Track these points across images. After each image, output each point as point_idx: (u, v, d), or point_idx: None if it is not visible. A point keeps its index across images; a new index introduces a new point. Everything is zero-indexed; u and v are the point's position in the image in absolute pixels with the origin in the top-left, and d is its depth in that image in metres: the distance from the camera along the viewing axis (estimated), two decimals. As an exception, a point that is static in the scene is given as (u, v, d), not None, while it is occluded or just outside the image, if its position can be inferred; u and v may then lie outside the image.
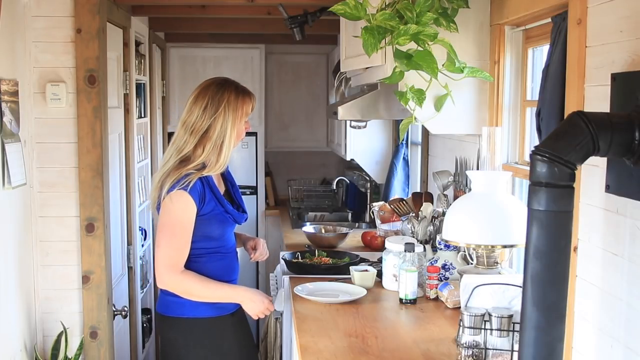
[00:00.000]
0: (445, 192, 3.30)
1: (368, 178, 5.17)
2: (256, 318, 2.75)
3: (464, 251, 2.70)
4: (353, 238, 4.20)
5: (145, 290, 4.60)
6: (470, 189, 2.64)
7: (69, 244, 3.29)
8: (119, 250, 3.89)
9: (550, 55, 2.19)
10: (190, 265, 2.68)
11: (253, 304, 2.71)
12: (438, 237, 3.05)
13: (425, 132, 4.06)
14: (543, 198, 1.62)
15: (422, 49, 2.39)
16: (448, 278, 2.87)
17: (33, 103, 3.21)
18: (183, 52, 5.70)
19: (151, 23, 4.80)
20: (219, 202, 2.71)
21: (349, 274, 3.08)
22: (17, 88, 2.99)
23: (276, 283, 3.56)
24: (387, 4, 2.46)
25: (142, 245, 4.51)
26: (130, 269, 4.11)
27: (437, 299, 2.84)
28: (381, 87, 3.19)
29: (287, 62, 6.04)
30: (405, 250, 2.84)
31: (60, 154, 3.25)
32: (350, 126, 4.70)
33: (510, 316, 2.06)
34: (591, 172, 1.92)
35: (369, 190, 5.24)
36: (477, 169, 2.95)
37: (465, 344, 2.10)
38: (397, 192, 4.52)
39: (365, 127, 4.61)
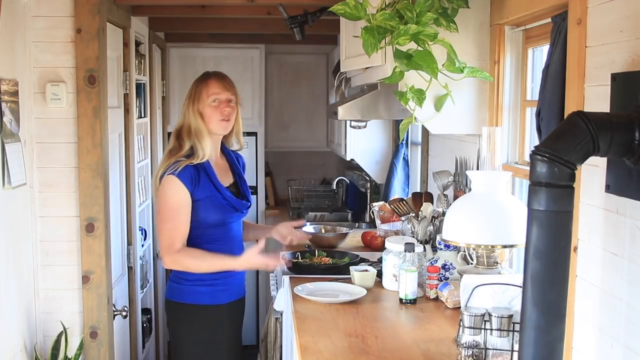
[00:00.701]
0: (445, 192, 3.30)
1: (368, 178, 5.17)
2: (269, 270, 2.85)
3: (464, 251, 2.70)
4: (353, 238, 4.20)
5: (145, 290, 4.59)
6: (470, 189, 2.64)
7: (69, 244, 3.29)
8: (119, 250, 3.89)
9: (550, 55, 2.19)
10: None
11: (249, 264, 2.86)
12: (438, 237, 3.05)
13: (425, 132, 4.06)
14: (543, 198, 1.62)
15: (422, 49, 2.39)
16: (448, 278, 2.87)
17: (33, 103, 3.21)
18: (183, 52, 5.70)
19: (151, 23, 4.80)
20: (215, 188, 2.85)
21: (349, 274, 3.08)
22: (17, 88, 2.99)
23: (276, 283, 3.56)
24: (387, 4, 2.46)
25: (142, 245, 4.51)
26: (130, 269, 4.11)
27: (437, 299, 2.84)
28: (381, 87, 3.19)
29: (287, 62, 6.04)
30: (405, 250, 2.84)
31: (60, 154, 3.25)
32: (350, 126, 4.70)
33: (510, 316, 2.06)
34: (591, 172, 1.92)
35: (369, 190, 5.24)
36: (477, 169, 2.95)
37: (465, 344, 2.10)
38: (397, 192, 4.52)
39: (365, 127, 4.61)
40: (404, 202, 3.53)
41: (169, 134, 5.42)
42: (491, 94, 2.78)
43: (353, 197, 5.62)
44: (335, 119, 4.37)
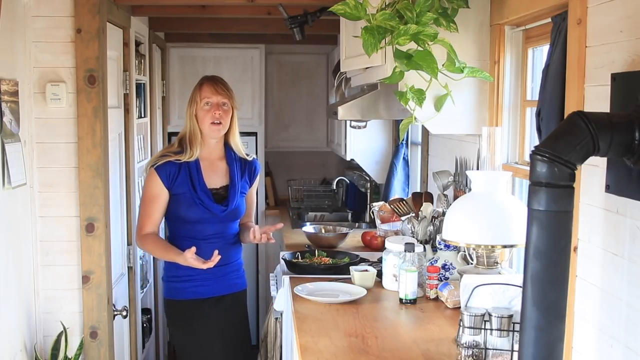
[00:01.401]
0: (445, 192, 3.30)
1: (368, 178, 5.17)
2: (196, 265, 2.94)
3: (464, 251, 2.70)
4: (353, 238, 4.20)
5: (145, 290, 4.59)
6: (470, 189, 2.64)
7: (69, 244, 3.30)
8: (119, 250, 3.89)
9: (550, 55, 2.19)
10: None
11: (186, 262, 2.95)
12: (438, 237, 3.05)
13: (425, 132, 4.06)
14: (543, 198, 1.62)
15: (422, 49, 2.39)
16: (448, 278, 2.87)
17: (33, 103, 3.21)
18: (183, 52, 5.69)
19: (151, 23, 4.80)
20: (192, 186, 3.05)
21: (349, 274, 3.08)
22: (17, 88, 2.99)
23: (276, 283, 3.56)
24: (387, 4, 2.46)
25: (142, 245, 4.51)
26: (130, 269, 4.11)
27: (437, 299, 2.84)
28: (381, 87, 3.19)
29: (287, 62, 6.03)
30: (405, 250, 2.84)
31: (60, 154, 3.25)
32: (350, 126, 4.70)
33: (510, 316, 2.06)
34: (591, 172, 1.92)
35: (369, 190, 5.24)
36: (477, 169, 2.95)
37: (465, 344, 2.10)
38: (397, 192, 4.52)
39: (365, 127, 4.61)
40: (404, 202, 3.53)
41: (169, 134, 5.51)
42: (491, 94, 2.78)
43: (353, 197, 5.62)
44: (335, 119, 4.37)
